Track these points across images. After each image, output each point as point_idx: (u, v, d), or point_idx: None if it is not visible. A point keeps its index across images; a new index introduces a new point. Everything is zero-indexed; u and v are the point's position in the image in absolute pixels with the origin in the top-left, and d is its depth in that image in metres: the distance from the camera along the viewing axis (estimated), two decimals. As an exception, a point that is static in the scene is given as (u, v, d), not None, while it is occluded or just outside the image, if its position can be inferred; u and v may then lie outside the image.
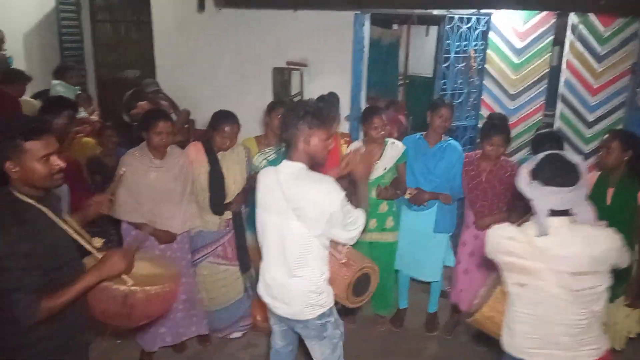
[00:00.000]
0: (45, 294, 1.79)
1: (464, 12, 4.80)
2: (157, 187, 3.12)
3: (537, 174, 1.98)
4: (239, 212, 3.48)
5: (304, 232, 2.30)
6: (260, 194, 2.45)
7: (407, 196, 3.57)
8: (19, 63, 5.83)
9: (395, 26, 7.65)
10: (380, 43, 7.03)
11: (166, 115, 3.22)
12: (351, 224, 2.33)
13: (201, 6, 5.07)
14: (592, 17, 4.38)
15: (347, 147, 3.71)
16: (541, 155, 2.04)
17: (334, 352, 2.48)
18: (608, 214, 2.80)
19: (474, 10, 4.74)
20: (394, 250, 3.69)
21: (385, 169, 3.52)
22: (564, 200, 1.95)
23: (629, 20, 4.30)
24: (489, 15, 4.73)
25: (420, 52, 7.90)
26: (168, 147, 3.19)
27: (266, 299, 2.51)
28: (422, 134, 3.72)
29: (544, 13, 4.52)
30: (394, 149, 3.54)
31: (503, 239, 2.05)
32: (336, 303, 2.53)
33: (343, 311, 2.88)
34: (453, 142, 3.67)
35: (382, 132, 3.43)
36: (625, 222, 2.92)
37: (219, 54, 5.41)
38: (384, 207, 3.56)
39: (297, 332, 2.57)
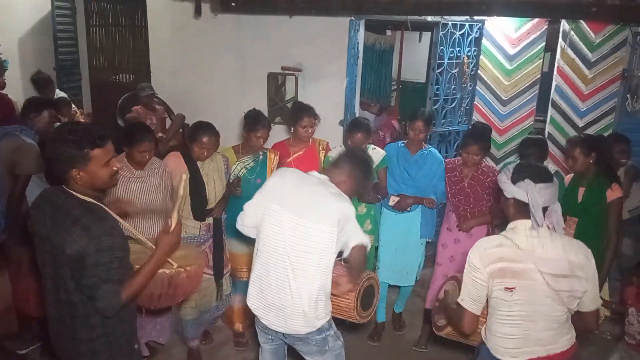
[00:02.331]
0: (121, 284, 1.92)
1: (458, 19, 4.87)
2: (138, 198, 3.10)
3: (525, 174, 2.09)
4: (219, 219, 3.46)
5: (321, 235, 2.28)
6: (278, 191, 2.39)
7: (391, 203, 3.67)
8: (14, 66, 5.83)
9: (389, 32, 7.71)
10: (374, 48, 7.09)
11: (151, 133, 3.20)
12: (358, 230, 2.39)
13: (198, 12, 5.08)
14: (583, 24, 4.46)
15: (326, 154, 3.74)
16: (513, 164, 2.22)
17: None
18: (580, 211, 3.21)
19: (467, 17, 4.82)
20: (372, 253, 3.73)
21: None
22: (551, 194, 2.08)
23: (619, 27, 4.39)
24: (482, 22, 4.81)
25: (413, 58, 7.96)
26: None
27: (260, 313, 2.42)
28: (404, 142, 3.83)
29: (536, 20, 4.60)
30: (374, 154, 3.60)
31: (492, 248, 2.09)
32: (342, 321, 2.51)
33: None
34: (433, 150, 3.78)
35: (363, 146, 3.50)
36: (594, 218, 3.22)
37: (215, 59, 5.43)
38: (362, 209, 3.63)
39: (288, 348, 2.55)
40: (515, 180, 2.09)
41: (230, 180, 3.50)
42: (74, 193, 1.95)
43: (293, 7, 4.65)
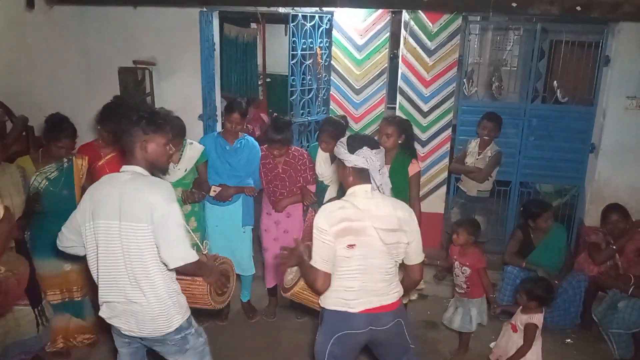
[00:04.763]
0: None
1: (308, 11, 4.95)
2: None
3: (361, 144, 2.36)
4: (21, 238, 3.16)
5: (144, 233, 2.19)
6: (95, 204, 2.27)
7: (212, 194, 3.70)
8: None
9: (253, 25, 7.69)
10: (237, 42, 7.03)
11: None
12: (177, 240, 2.22)
13: (30, 4, 4.68)
14: (421, 14, 4.71)
15: None
16: (344, 138, 2.47)
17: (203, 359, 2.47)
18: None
19: (317, 9, 4.91)
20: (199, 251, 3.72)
21: (186, 170, 3.58)
22: (382, 158, 2.40)
23: (454, 16, 4.69)
24: (332, 13, 4.92)
25: (280, 51, 8.00)
26: None
27: (114, 321, 2.33)
28: (219, 132, 3.90)
29: (380, 11, 4.79)
30: (193, 149, 3.61)
31: (335, 211, 2.34)
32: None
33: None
34: (250, 138, 3.89)
35: None
36: (399, 193, 3.33)
37: (56, 55, 5.04)
38: (187, 207, 3.61)
39: (148, 350, 2.49)
40: (353, 150, 2.34)
41: (31, 194, 3.19)
42: None
43: (136, -3, 4.45)
